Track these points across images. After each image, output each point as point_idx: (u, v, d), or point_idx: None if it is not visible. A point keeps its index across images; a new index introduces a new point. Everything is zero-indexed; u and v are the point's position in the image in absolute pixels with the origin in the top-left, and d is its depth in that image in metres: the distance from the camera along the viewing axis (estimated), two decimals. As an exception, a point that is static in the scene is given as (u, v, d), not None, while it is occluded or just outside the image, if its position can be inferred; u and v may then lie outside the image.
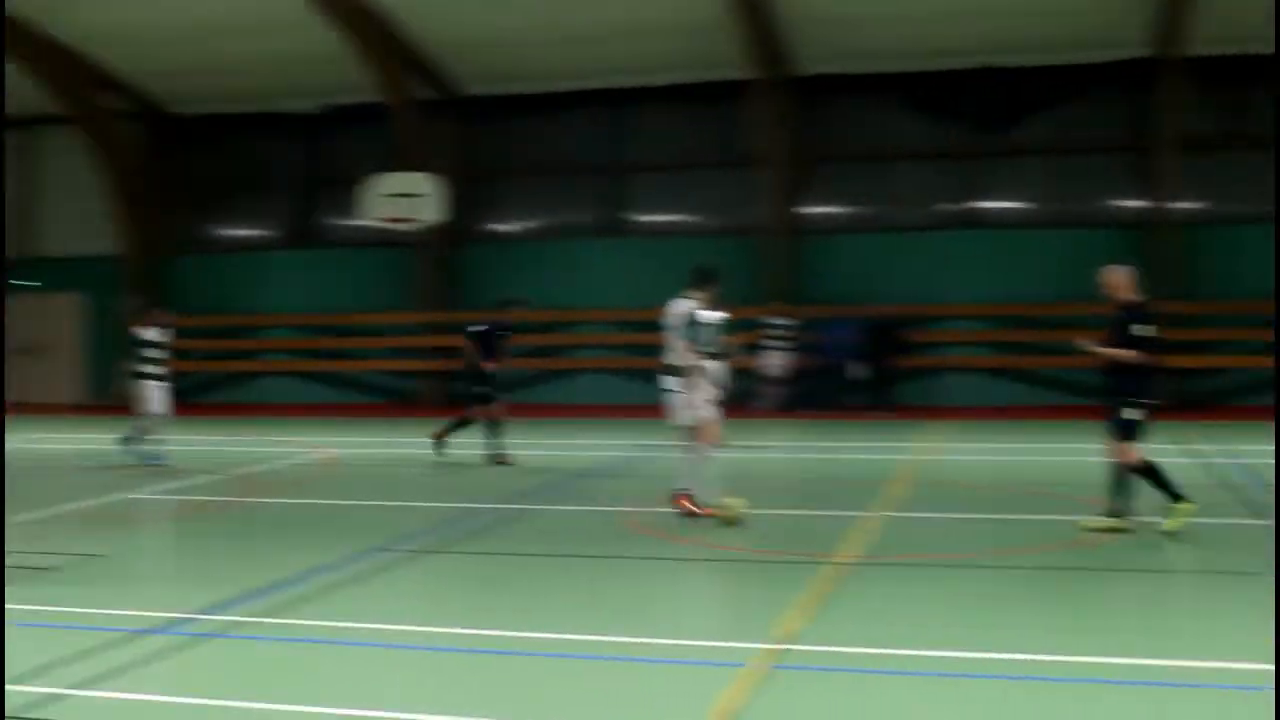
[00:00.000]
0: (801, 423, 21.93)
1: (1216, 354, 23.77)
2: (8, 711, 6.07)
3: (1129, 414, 10.28)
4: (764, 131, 24.22)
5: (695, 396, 11.43)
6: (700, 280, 11.65)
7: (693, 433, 11.54)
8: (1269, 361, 22.98)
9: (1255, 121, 24.17)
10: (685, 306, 11.44)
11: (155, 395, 16.28)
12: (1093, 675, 6.57)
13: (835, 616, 7.85)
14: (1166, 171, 23.32)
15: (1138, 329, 10.19)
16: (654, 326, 25.07)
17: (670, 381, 11.53)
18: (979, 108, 24.96)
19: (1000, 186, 25.50)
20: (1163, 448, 16.91)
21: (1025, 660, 6.83)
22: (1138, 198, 24.59)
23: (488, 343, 16.50)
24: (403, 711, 6.08)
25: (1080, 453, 16.85)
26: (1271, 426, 19.33)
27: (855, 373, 23.65)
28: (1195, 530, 10.73)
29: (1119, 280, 10.54)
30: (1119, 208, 24.92)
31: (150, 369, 16.33)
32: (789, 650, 6.98)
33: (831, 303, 24.32)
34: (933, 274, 24.79)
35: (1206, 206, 24.38)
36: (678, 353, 11.39)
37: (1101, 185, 24.96)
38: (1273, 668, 6.36)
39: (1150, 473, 10.45)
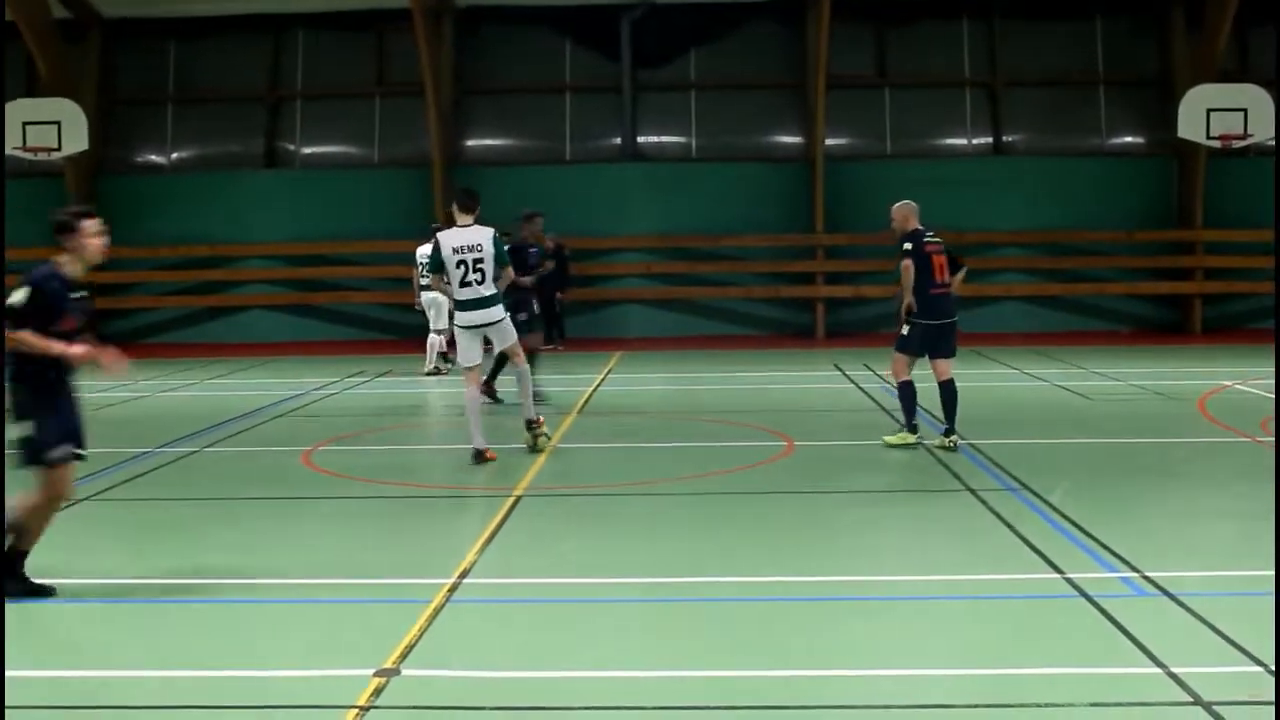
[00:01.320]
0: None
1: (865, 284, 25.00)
2: None
3: (903, 330, 11.33)
4: (426, 62, 23.87)
5: (510, 321, 11.20)
6: (468, 203, 11.15)
7: (516, 354, 11.35)
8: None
9: (899, 62, 25.55)
10: (486, 232, 10.94)
11: None
12: (764, 594, 6.89)
13: (511, 548, 7.94)
14: (818, 108, 24.29)
15: (902, 254, 11.25)
16: (319, 260, 24.89)
17: (495, 311, 10.97)
18: (638, 43, 25.31)
19: (661, 121, 26.00)
20: (820, 373, 17.84)
21: (703, 583, 7.10)
22: (795, 134, 25.55)
23: (522, 262, 14.20)
24: (78, 670, 5.83)
25: (746, 380, 17.52)
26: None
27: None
28: (850, 452, 11.39)
29: (899, 214, 11.51)
30: (777, 143, 25.82)
31: None
32: (467, 584, 7.03)
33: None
34: (601, 206, 25.07)
35: (854, 143, 25.57)
36: (496, 280, 10.94)
37: (760, 121, 25.79)
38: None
39: (905, 391, 11.41)
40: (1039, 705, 5.13)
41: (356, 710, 5.12)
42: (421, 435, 13.05)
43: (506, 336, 11.18)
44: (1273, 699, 4.96)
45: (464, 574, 7.20)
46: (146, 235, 25.20)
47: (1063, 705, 5.13)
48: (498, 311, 10.99)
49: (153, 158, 26.43)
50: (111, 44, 25.88)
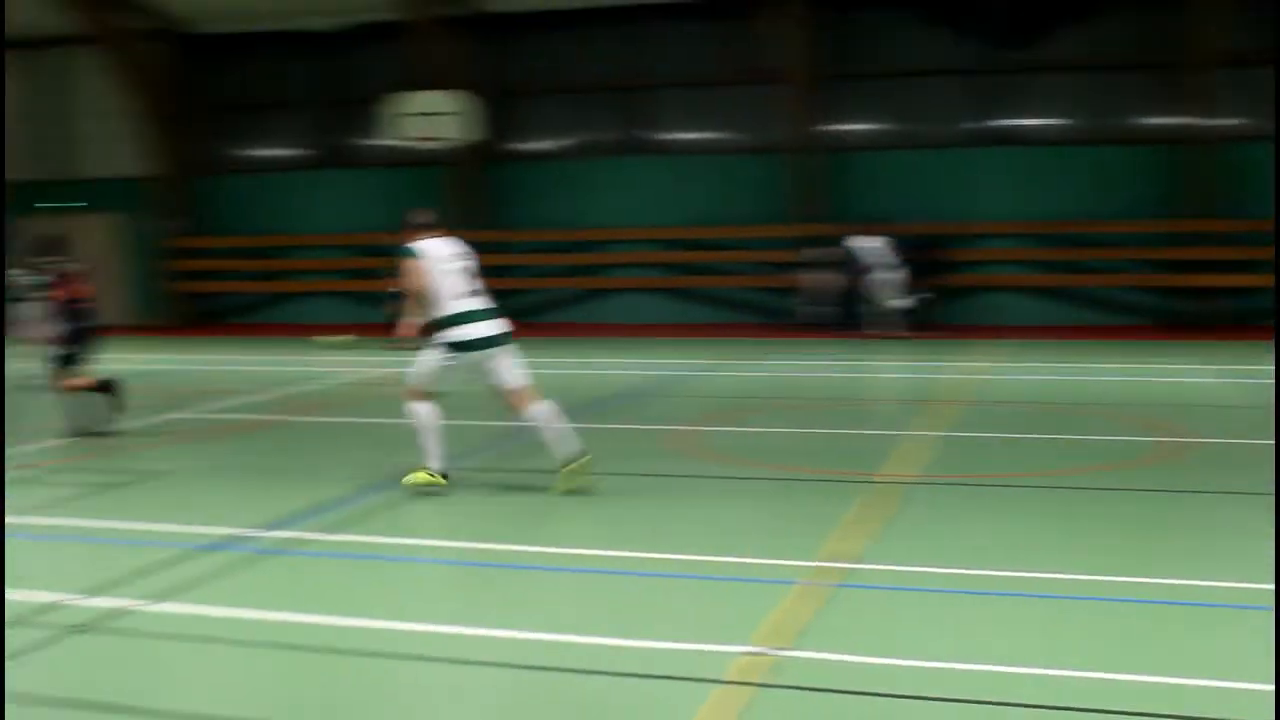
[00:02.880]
0: (840, 341, 21.85)
1: (1260, 273, 23.47)
2: (79, 622, 6.20)
3: None
4: (785, 47, 23.90)
5: None
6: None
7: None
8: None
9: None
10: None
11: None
12: (1156, 597, 6.59)
13: (890, 535, 7.87)
14: (1201, 87, 22.93)
15: None
16: (683, 245, 25.37)
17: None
18: (1001, 23, 24.56)
19: (1026, 103, 25.07)
20: (1203, 367, 16.92)
21: (1087, 581, 6.85)
22: (1169, 114, 24.18)
23: None
24: (452, 625, 6.20)
25: (1125, 372, 16.82)
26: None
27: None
28: (1248, 450, 10.77)
29: None
30: (1149, 124, 24.49)
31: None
32: (841, 569, 7.02)
33: (861, 221, 24.05)
34: (962, 191, 24.54)
35: (1244, 123, 23.92)
36: None
37: (1131, 101, 24.50)
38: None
39: None
40: None
41: (731, 686, 5.23)
42: (798, 418, 13.11)
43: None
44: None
45: (846, 559, 7.21)
46: (530, 219, 26.38)
47: None
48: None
49: (533, 145, 27.51)
50: (501, 37, 27.07)
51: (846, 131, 25.78)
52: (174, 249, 28.48)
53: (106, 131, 29.18)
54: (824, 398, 15.03)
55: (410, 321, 9.45)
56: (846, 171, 25.08)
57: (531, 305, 26.79)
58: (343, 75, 28.21)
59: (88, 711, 5.17)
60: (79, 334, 12.23)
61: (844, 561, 7.16)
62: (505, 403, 9.44)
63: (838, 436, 12.16)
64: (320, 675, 5.59)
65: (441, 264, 9.35)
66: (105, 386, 12.29)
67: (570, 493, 9.13)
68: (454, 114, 24.11)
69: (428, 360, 9.37)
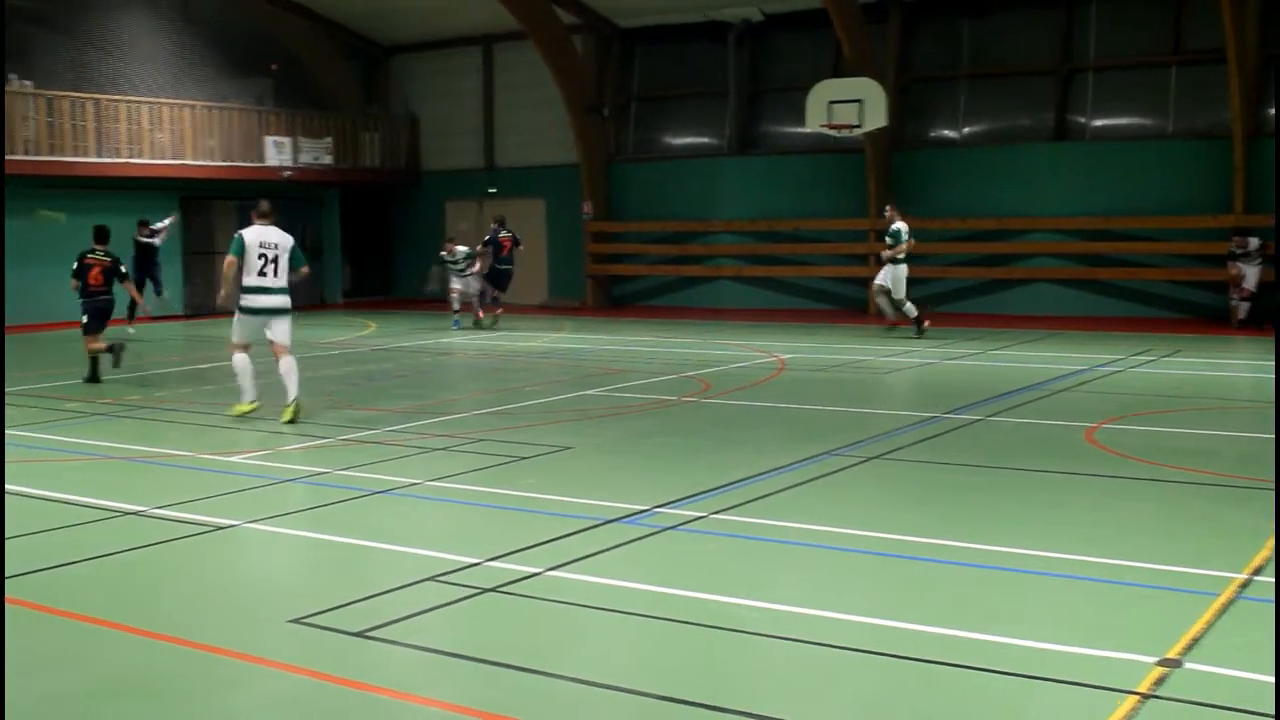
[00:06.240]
0: (1265, 340, 20.36)
1: None
2: (489, 585, 6.57)
3: None
4: (1229, 27, 22.22)
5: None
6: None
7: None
8: None
9: None
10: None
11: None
12: None
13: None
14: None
15: None
16: (1109, 235, 24.23)
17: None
18: None
19: None
20: None
21: None
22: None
23: None
24: (841, 612, 6.18)
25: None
26: None
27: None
28: None
29: None
30: None
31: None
32: (1260, 581, 6.56)
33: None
34: None
35: None
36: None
37: None
38: None
39: None
40: None
41: (1137, 697, 4.97)
42: (1210, 419, 12.34)
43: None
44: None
45: (1257, 570, 6.75)
46: (937, 207, 25.90)
47: None
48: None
49: (945, 132, 27.03)
50: (910, 24, 26.78)
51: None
52: (589, 234, 29.70)
53: (532, 122, 30.78)
54: (1255, 399, 14.08)
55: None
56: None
57: (939, 294, 26.34)
58: (761, 64, 28.59)
59: (495, 669, 5.47)
60: None
61: (1263, 575, 6.67)
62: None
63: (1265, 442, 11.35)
64: (711, 651, 5.72)
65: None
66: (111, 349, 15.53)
67: (291, 422, 12.01)
68: (870, 102, 23.94)
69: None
